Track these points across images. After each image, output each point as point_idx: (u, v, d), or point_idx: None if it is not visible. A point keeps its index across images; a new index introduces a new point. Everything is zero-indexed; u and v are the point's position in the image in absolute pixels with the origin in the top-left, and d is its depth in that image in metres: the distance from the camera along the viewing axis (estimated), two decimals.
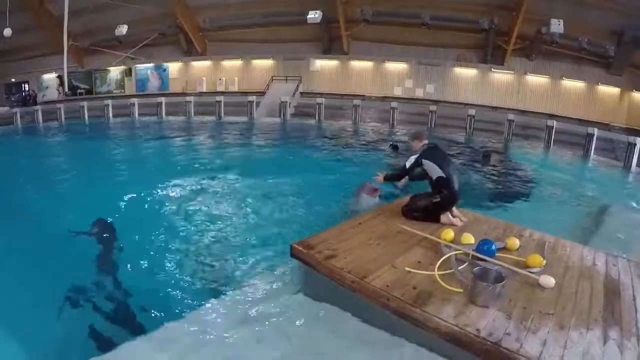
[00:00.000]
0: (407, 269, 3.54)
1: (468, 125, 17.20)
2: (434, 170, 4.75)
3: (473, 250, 3.78)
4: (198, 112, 20.14)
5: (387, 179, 5.24)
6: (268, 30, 23.36)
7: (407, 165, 4.91)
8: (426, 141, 5.04)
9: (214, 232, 5.86)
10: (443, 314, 2.93)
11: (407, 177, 5.07)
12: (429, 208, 4.76)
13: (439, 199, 4.73)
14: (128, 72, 25.33)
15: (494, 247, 3.77)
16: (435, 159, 4.79)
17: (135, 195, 7.56)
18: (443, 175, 4.70)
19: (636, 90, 18.93)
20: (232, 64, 24.66)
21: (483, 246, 3.76)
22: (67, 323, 3.92)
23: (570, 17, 17.60)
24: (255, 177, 8.57)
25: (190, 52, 25.26)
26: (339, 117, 19.35)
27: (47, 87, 25.30)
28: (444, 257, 3.68)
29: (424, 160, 4.79)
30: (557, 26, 17.61)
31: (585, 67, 19.69)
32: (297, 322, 3.48)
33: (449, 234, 4.13)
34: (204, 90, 24.05)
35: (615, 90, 19.41)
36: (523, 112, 19.56)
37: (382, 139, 15.28)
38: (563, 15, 17.61)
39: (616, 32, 17.84)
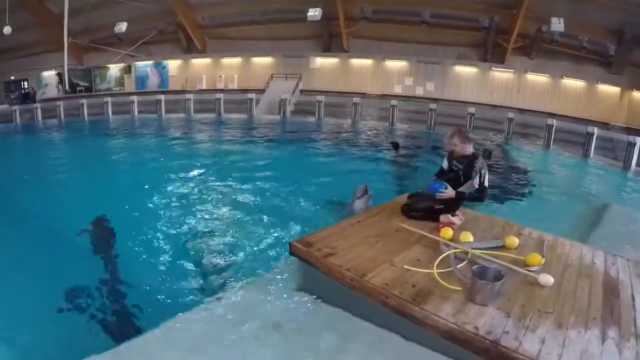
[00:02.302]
0: (406, 266, 3.54)
1: (468, 124, 17.19)
2: (469, 187, 4.49)
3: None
4: (197, 109, 20.13)
5: (461, 196, 4.59)
6: (268, 28, 23.27)
7: (487, 183, 4.40)
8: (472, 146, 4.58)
9: (212, 230, 5.86)
10: (442, 312, 2.93)
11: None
12: (430, 212, 4.64)
13: (442, 207, 4.58)
14: (127, 70, 25.28)
15: (437, 185, 4.38)
16: None
17: (134, 193, 7.58)
18: (467, 193, 4.50)
19: (636, 89, 18.92)
20: (231, 62, 24.61)
21: (433, 184, 4.43)
22: (66, 321, 3.93)
23: (570, 16, 17.58)
24: (254, 175, 8.57)
25: (189, 49, 25.21)
26: (339, 115, 19.33)
27: (46, 85, 25.24)
28: (443, 255, 3.68)
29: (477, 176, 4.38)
30: (557, 25, 17.59)
31: (585, 66, 19.67)
32: (296, 320, 3.47)
33: (448, 232, 4.12)
34: (204, 87, 24.01)
35: (615, 90, 19.40)
36: (523, 111, 19.57)
37: (382, 136, 15.28)
38: (564, 13, 17.59)
39: (617, 31, 17.81)
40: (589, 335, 2.75)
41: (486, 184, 4.41)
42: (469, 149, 4.56)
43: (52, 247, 5.37)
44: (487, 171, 4.44)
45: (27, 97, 24.41)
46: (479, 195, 4.48)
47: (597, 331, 2.81)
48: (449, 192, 4.50)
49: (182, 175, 8.70)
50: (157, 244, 5.42)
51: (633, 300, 3.26)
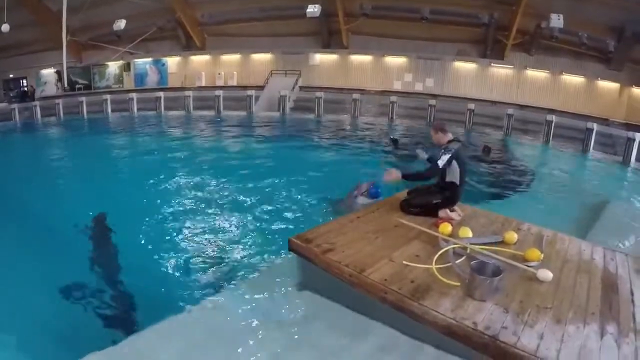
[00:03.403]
0: (405, 262, 3.54)
1: (467, 120, 17.21)
2: (454, 174, 4.54)
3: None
4: (197, 106, 20.10)
5: (407, 177, 4.76)
6: (267, 25, 23.21)
7: (441, 164, 4.42)
8: (451, 135, 4.66)
9: (211, 227, 5.86)
10: (440, 308, 2.93)
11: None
12: (428, 207, 4.65)
13: (439, 201, 4.61)
14: (127, 67, 25.20)
15: (377, 190, 5.26)
16: (461, 163, 4.53)
17: (133, 190, 7.57)
18: (457, 182, 4.53)
19: (636, 85, 18.86)
20: (231, 58, 24.55)
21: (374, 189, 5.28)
22: (66, 318, 3.93)
23: (570, 12, 17.50)
24: (254, 172, 8.57)
25: (189, 46, 25.13)
26: (338, 111, 19.31)
27: (45, 83, 25.17)
28: (441, 251, 3.68)
29: (454, 161, 4.48)
30: (557, 21, 17.52)
31: (585, 62, 19.62)
32: (295, 316, 3.48)
33: (447, 227, 4.12)
34: (203, 84, 23.94)
35: (614, 86, 19.36)
36: (522, 107, 19.52)
37: (381, 132, 15.27)
38: (563, 9, 17.51)
39: (616, 27, 17.74)
40: (587, 331, 2.76)
41: (440, 162, 4.45)
42: (444, 139, 4.65)
43: (52, 245, 5.37)
44: (448, 154, 4.47)
45: (26, 95, 24.27)
46: (427, 169, 4.59)
47: (596, 326, 2.81)
48: (394, 174, 4.72)
49: (181, 172, 8.69)
50: (156, 242, 5.41)
51: (632, 295, 3.26)
